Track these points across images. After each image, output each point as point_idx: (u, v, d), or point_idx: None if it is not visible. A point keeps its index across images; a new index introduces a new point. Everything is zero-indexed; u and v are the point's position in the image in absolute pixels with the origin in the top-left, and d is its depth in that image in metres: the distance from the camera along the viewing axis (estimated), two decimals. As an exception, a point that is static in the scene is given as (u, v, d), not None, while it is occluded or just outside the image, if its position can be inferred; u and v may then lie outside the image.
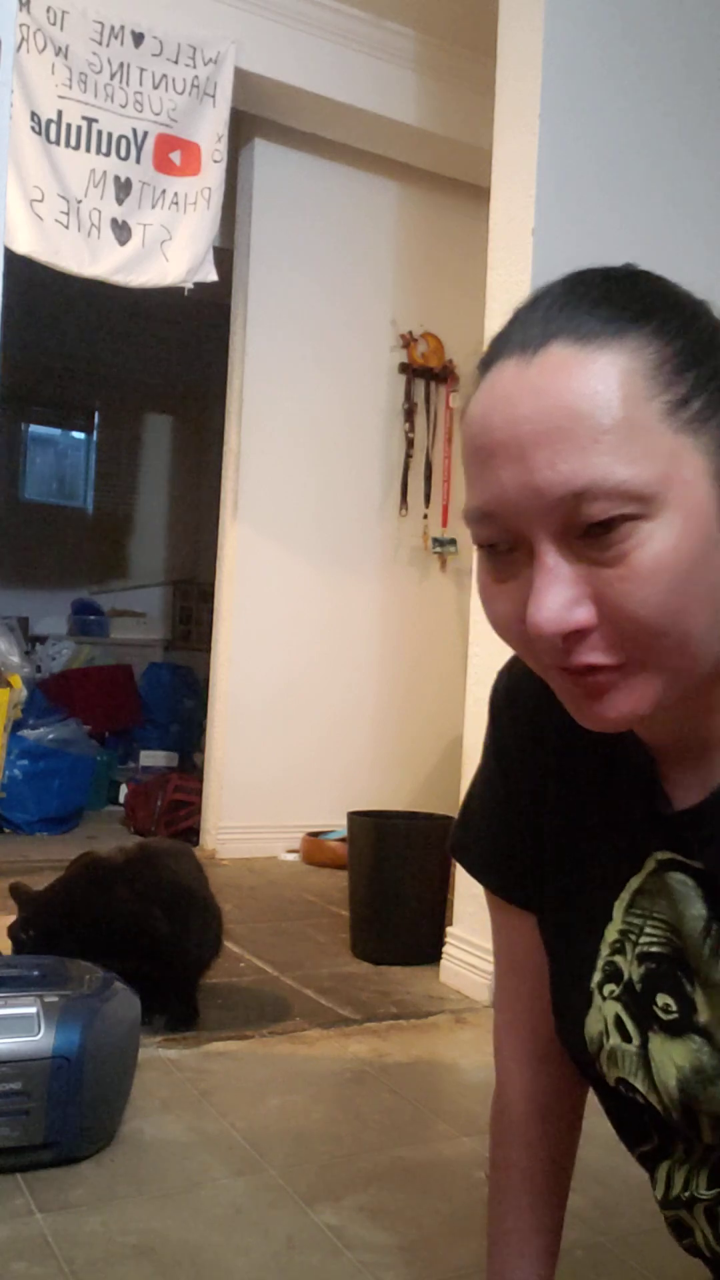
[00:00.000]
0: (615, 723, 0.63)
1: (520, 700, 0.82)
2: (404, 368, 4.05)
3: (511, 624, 0.63)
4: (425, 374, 4.07)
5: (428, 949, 2.49)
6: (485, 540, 0.63)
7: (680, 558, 0.58)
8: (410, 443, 4.05)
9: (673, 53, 2.52)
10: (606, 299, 0.61)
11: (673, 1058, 0.69)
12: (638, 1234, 1.36)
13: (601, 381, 0.58)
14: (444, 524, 4.11)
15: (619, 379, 0.58)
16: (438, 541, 4.08)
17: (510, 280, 2.33)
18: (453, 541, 4.08)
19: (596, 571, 0.59)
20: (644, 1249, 1.33)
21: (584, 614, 0.59)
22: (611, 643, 0.60)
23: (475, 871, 0.88)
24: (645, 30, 2.48)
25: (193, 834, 3.86)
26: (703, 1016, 0.68)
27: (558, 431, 0.58)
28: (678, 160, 2.53)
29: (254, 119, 3.71)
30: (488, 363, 0.63)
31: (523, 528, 0.60)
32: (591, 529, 0.58)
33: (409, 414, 4.05)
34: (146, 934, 1.95)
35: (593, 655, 0.60)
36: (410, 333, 4.05)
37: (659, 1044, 0.70)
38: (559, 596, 0.59)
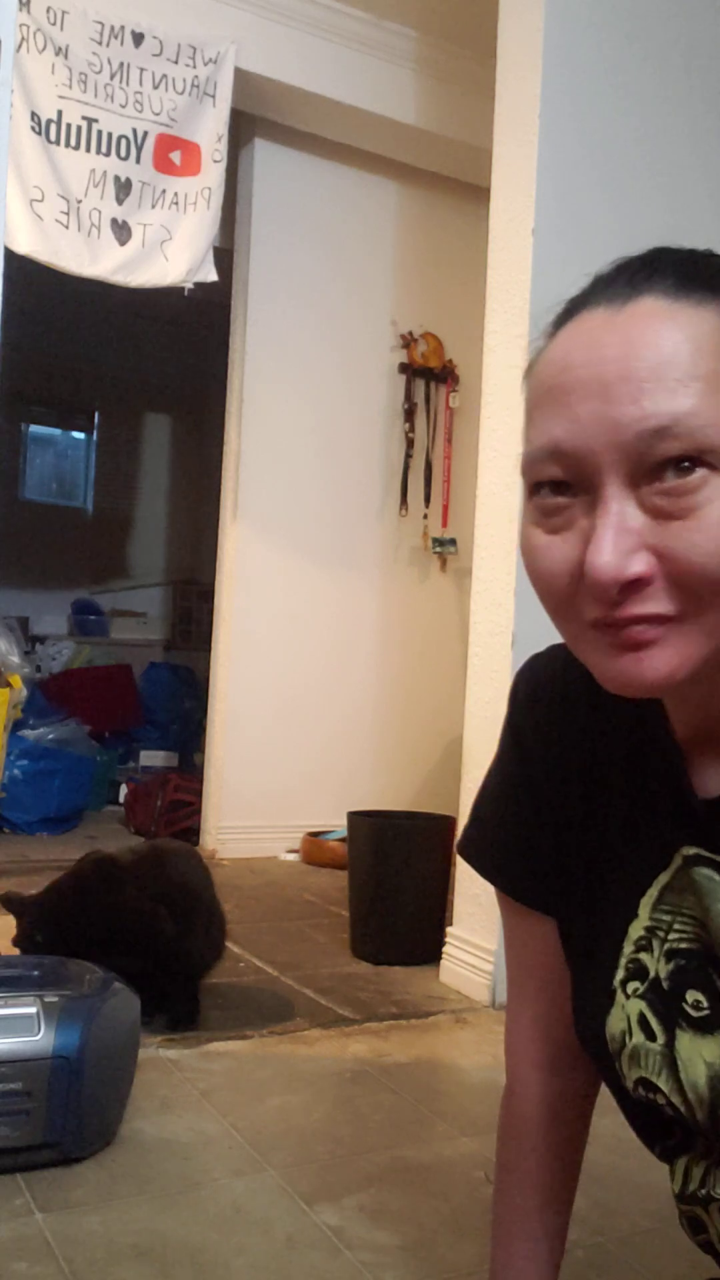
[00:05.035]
0: (651, 684, 0.60)
1: (543, 697, 0.81)
2: (404, 368, 4.05)
3: (557, 578, 0.61)
4: (425, 374, 4.07)
5: (428, 949, 2.49)
6: (547, 478, 0.61)
7: None
8: (410, 443, 4.05)
9: (673, 52, 2.53)
10: (694, 265, 0.62)
11: (703, 1054, 0.68)
12: (638, 1234, 1.36)
13: (694, 330, 0.58)
14: (444, 524, 4.11)
15: (710, 333, 0.58)
16: (438, 541, 4.08)
17: (510, 280, 2.34)
18: (453, 541, 4.08)
19: (663, 525, 0.58)
20: (644, 1249, 1.33)
21: (643, 563, 0.58)
22: (667, 598, 0.58)
23: (486, 872, 0.85)
24: (645, 30, 2.48)
25: (193, 834, 3.86)
26: None
27: (646, 370, 0.57)
28: (678, 160, 2.53)
29: (254, 119, 3.71)
30: (565, 318, 0.63)
31: (591, 469, 0.59)
32: (665, 474, 0.57)
33: (409, 414, 4.05)
34: (153, 933, 1.96)
35: (644, 607, 0.58)
36: (410, 333, 4.05)
37: (687, 1041, 0.69)
38: (623, 542, 0.57)
